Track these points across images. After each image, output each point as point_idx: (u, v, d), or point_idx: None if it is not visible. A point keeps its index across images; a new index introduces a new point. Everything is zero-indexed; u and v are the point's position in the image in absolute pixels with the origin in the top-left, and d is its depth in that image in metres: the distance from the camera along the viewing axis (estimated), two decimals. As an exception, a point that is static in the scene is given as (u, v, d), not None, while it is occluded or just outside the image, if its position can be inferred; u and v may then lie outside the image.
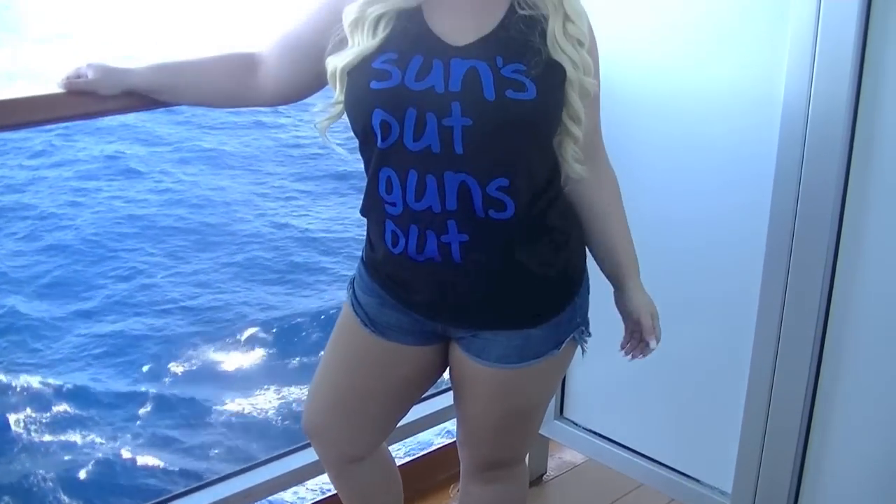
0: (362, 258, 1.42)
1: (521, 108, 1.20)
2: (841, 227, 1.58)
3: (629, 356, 1.51)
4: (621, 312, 1.50)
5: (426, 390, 1.57)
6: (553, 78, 1.24)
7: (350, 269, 1.60)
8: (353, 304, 1.44)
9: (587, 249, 1.45)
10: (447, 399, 1.99)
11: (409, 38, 1.24)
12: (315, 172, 11.55)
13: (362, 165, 1.30)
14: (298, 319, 8.12)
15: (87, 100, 1.35)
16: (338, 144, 1.35)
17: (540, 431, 1.99)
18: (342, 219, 10.17)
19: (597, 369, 2.02)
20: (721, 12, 1.69)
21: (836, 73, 1.51)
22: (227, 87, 1.40)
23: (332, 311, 7.84)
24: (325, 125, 1.31)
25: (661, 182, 1.85)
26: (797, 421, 1.70)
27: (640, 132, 1.83)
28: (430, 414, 2.21)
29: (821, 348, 1.65)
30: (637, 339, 1.49)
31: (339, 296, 7.30)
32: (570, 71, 1.25)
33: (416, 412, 2.12)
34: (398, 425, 1.59)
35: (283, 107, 1.64)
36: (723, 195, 1.76)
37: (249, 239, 9.79)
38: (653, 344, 1.48)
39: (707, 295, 1.83)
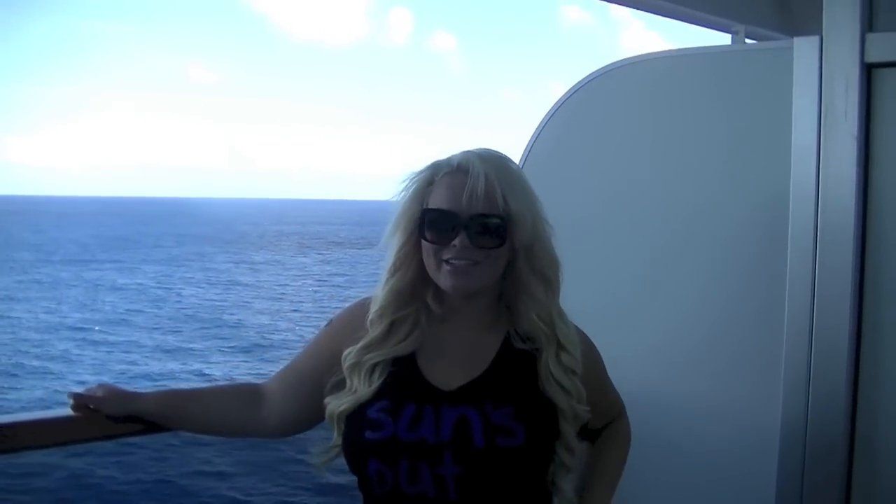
0: None
1: (511, 455, 1.22)
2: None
3: None
4: None
5: None
6: (545, 416, 1.27)
7: None
8: None
9: None
10: None
11: (402, 385, 1.28)
12: None
13: None
14: None
15: (93, 425, 1.35)
16: None
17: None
18: None
19: None
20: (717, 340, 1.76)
21: (831, 406, 1.56)
22: (232, 418, 1.41)
23: None
24: (323, 465, 1.34)
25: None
26: None
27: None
28: None
29: None
30: None
31: None
32: (562, 403, 1.28)
33: None
34: None
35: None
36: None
37: None
38: None
39: None
